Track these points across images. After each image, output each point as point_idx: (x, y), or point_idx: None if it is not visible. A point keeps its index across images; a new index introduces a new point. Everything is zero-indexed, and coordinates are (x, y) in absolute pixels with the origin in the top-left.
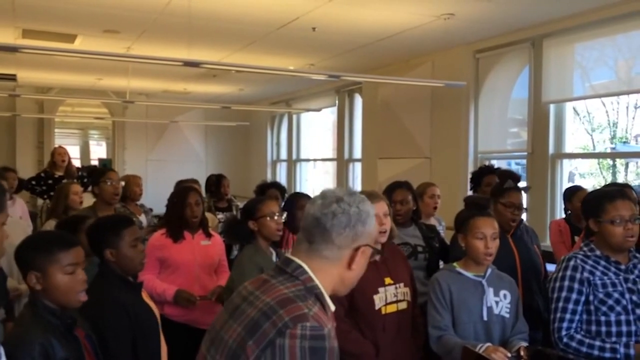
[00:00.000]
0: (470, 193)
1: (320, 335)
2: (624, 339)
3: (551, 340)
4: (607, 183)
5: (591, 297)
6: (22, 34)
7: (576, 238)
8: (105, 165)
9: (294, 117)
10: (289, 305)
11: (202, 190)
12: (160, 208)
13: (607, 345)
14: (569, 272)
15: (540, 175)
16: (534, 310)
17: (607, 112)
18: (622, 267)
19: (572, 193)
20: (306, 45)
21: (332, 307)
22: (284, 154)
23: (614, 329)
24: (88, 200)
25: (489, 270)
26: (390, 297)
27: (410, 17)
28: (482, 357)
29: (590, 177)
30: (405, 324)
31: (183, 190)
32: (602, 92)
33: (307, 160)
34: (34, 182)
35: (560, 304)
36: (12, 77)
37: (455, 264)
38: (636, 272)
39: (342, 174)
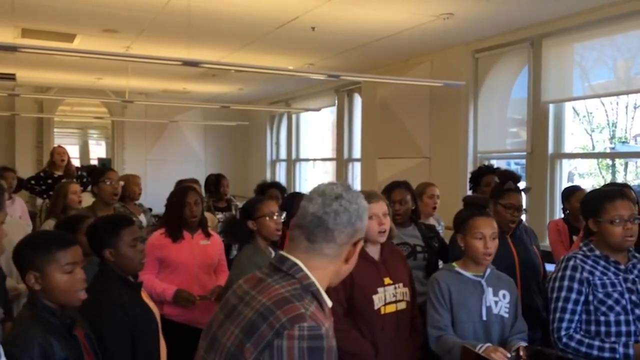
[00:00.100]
0: (469, 193)
1: (318, 335)
2: (623, 339)
3: (550, 340)
4: (606, 183)
5: (590, 297)
6: (22, 34)
7: (574, 238)
8: (105, 165)
9: (294, 116)
10: (285, 305)
11: (201, 190)
12: (159, 208)
13: (606, 345)
14: (568, 272)
15: (539, 175)
16: (533, 310)
17: (606, 112)
18: (622, 267)
19: (570, 193)
20: (305, 45)
21: (329, 303)
22: (283, 154)
23: (613, 328)
24: (88, 200)
25: (488, 270)
26: (389, 297)
27: (409, 16)
28: (481, 357)
29: (589, 177)
30: (404, 324)
31: (182, 190)
32: (602, 92)
33: (307, 160)
34: (33, 182)
35: (560, 304)
36: (11, 77)
37: (454, 263)
38: (635, 272)
39: (341, 174)
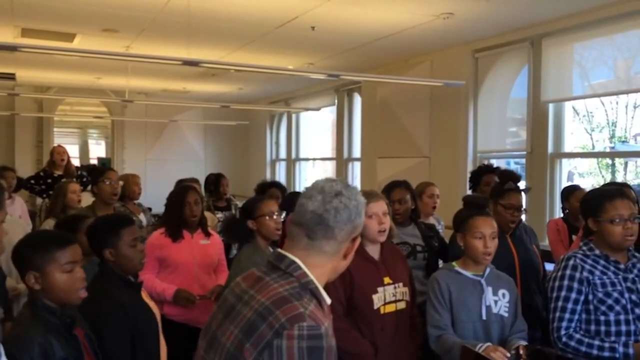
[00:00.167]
0: (469, 192)
1: (318, 334)
2: (623, 338)
3: (550, 339)
4: (606, 182)
5: (590, 297)
6: (21, 33)
7: (574, 237)
8: (105, 165)
9: (293, 116)
10: (284, 305)
11: (201, 190)
12: (159, 207)
13: (606, 345)
14: (568, 272)
15: (539, 174)
16: (533, 309)
17: (606, 111)
18: (622, 266)
19: (570, 192)
20: (305, 45)
21: (328, 300)
22: (283, 153)
23: (613, 328)
24: (88, 199)
25: (488, 270)
26: (389, 296)
27: (409, 16)
28: (481, 357)
29: (589, 176)
30: (403, 323)
31: (182, 189)
32: (601, 91)
33: (307, 159)
34: (33, 181)
35: (560, 304)
36: (11, 76)
37: (454, 263)
38: (635, 271)
39: (341, 173)
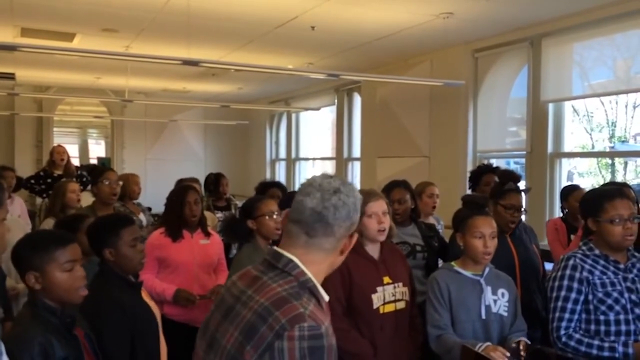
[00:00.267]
0: (469, 192)
1: (318, 334)
2: (622, 338)
3: (550, 339)
4: (606, 182)
5: (590, 297)
6: (21, 33)
7: (572, 237)
8: (104, 164)
9: (293, 116)
10: (284, 305)
11: (201, 189)
12: (159, 207)
13: (606, 344)
14: (568, 272)
15: (539, 174)
16: (532, 309)
17: (605, 111)
18: (621, 266)
19: (569, 192)
20: (305, 44)
21: (326, 297)
22: (283, 153)
23: (612, 328)
24: (88, 199)
25: (487, 269)
26: (388, 296)
27: (409, 16)
28: (481, 356)
29: (589, 176)
30: (403, 323)
31: (182, 189)
32: (601, 91)
33: (306, 159)
34: (32, 181)
35: (559, 303)
36: (10, 76)
37: (453, 262)
38: (635, 271)
39: (341, 173)
